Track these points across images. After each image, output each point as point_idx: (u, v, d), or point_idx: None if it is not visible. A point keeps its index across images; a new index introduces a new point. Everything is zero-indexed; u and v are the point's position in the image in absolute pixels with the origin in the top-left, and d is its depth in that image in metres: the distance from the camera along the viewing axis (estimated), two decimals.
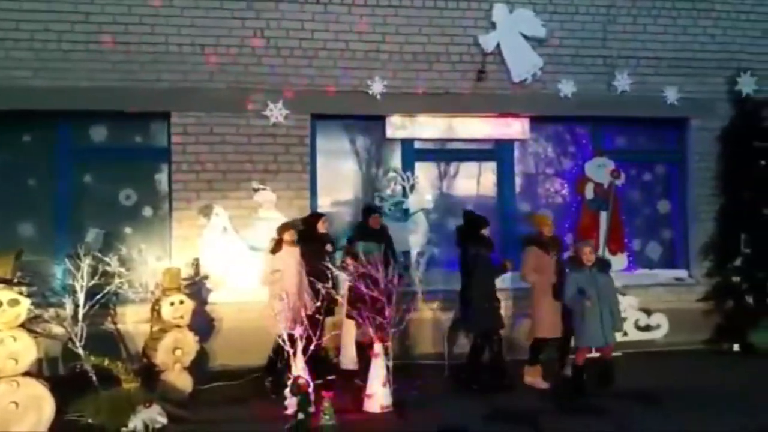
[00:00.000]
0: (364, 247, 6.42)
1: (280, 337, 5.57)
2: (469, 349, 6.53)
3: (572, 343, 6.51)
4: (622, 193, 8.31)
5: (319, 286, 5.79)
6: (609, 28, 8.24)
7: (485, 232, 6.50)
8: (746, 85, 8.36)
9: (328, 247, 6.65)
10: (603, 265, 6.26)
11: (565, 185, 8.54)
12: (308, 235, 6.63)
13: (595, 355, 6.32)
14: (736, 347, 7.77)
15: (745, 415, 5.25)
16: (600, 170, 8.23)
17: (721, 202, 8.31)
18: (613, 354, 6.33)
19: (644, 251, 8.59)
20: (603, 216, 8.16)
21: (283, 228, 6.55)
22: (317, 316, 5.92)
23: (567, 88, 8.02)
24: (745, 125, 8.29)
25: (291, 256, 6.40)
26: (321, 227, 6.71)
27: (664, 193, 8.66)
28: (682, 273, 8.43)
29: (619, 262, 8.08)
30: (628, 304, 7.68)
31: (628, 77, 8.16)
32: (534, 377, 6.41)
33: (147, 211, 7.46)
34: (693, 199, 8.42)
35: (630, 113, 8.23)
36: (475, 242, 6.41)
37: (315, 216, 6.88)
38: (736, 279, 8.00)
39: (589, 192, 8.23)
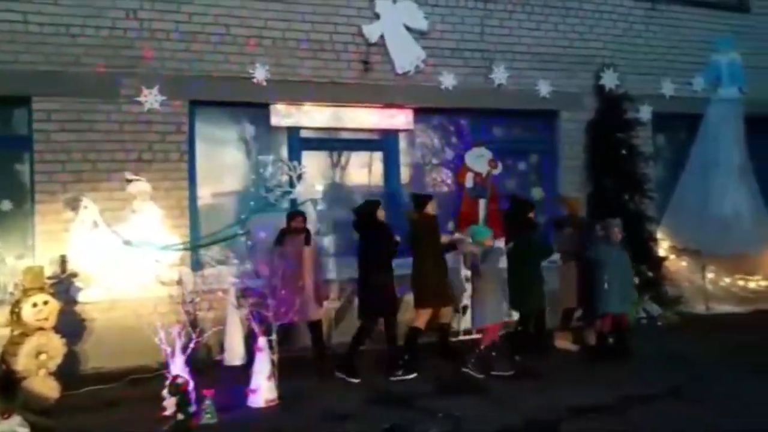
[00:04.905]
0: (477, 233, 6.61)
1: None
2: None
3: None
4: (499, 181, 8.70)
5: None
6: (486, 23, 8.56)
7: (532, 215, 7.04)
8: (609, 80, 9.01)
9: (398, 239, 6.59)
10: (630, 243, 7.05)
11: (448, 174, 8.80)
12: (368, 224, 6.49)
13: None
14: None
15: (612, 387, 5.67)
16: (479, 160, 8.56)
17: (588, 190, 8.89)
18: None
19: None
20: (482, 203, 8.51)
21: (291, 215, 6.64)
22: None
23: (448, 80, 8.25)
24: (609, 118, 8.94)
25: (297, 243, 6.40)
26: (380, 215, 6.59)
27: (537, 181, 9.14)
28: (554, 255, 8.95)
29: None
30: None
31: (504, 71, 8.53)
32: (565, 341, 7.18)
33: (6, 205, 6.82)
34: (563, 186, 8.93)
35: (506, 106, 8.62)
36: (524, 225, 6.78)
37: (373, 203, 6.67)
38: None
39: (468, 181, 8.53)
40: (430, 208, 6.71)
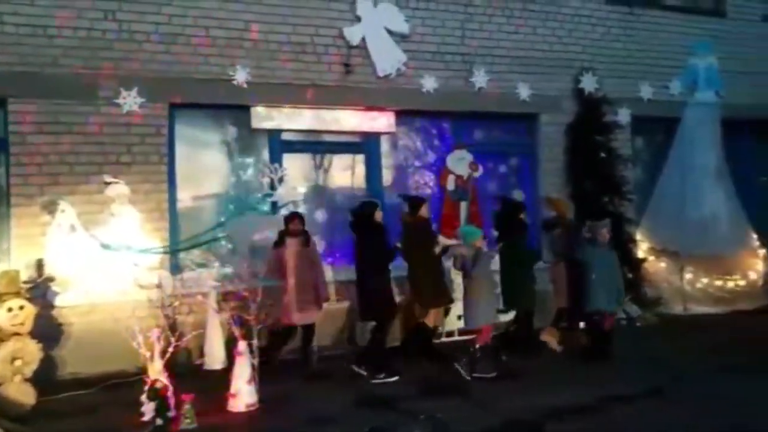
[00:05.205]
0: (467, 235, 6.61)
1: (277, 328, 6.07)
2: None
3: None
4: (480, 184, 8.76)
5: None
6: (467, 26, 8.60)
7: (523, 216, 7.16)
8: (588, 83, 9.09)
9: (398, 245, 6.61)
10: (622, 244, 7.28)
11: (430, 177, 8.81)
12: (365, 226, 6.47)
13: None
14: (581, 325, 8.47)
15: (593, 387, 5.67)
16: (460, 163, 8.62)
17: (568, 191, 8.93)
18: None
19: None
20: (463, 206, 8.57)
21: (289, 217, 6.60)
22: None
23: (429, 83, 8.27)
24: (588, 121, 9.03)
25: (296, 245, 6.49)
26: (378, 217, 6.56)
27: (517, 184, 9.18)
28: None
29: None
30: None
31: (484, 74, 8.58)
32: (551, 338, 7.23)
33: None
34: (543, 188, 8.98)
35: (486, 108, 8.66)
36: (515, 226, 6.97)
37: (371, 205, 6.69)
38: None
39: (450, 183, 8.59)
40: (424, 211, 6.83)
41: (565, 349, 7.19)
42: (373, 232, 6.50)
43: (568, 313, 7.37)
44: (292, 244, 6.57)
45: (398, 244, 6.65)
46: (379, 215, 6.61)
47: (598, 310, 6.83)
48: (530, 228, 7.58)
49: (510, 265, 7.01)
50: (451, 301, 7.08)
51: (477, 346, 6.31)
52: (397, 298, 6.89)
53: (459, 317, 7.45)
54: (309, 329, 6.72)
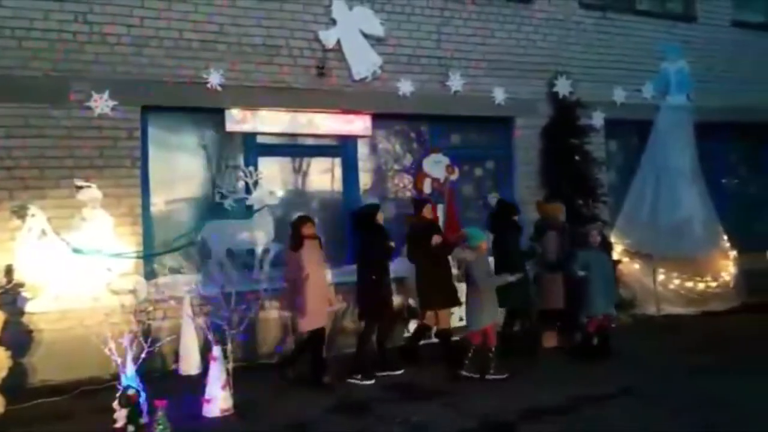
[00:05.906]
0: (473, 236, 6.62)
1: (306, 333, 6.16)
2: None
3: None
4: (456, 187, 8.80)
5: None
6: (443, 30, 8.65)
7: (516, 218, 7.37)
8: (562, 87, 9.18)
9: (392, 244, 6.64)
10: (606, 246, 7.33)
11: (408, 180, 8.83)
12: (366, 227, 6.52)
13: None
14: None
15: (574, 388, 5.72)
16: (436, 166, 8.65)
17: (544, 194, 8.97)
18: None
19: None
20: (440, 208, 8.57)
21: (301, 221, 6.37)
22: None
23: (405, 87, 8.29)
24: (562, 124, 9.11)
25: (314, 249, 6.37)
26: (380, 218, 6.61)
27: (494, 187, 9.18)
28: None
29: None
30: None
31: (460, 78, 8.62)
32: (551, 341, 7.40)
33: None
34: (519, 191, 9.04)
35: (462, 112, 8.71)
36: (508, 227, 7.20)
37: (373, 207, 6.80)
38: None
39: (427, 186, 8.61)
40: (427, 212, 7.01)
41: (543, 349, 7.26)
42: (373, 232, 6.56)
43: (549, 315, 7.44)
44: (310, 248, 6.36)
45: (391, 243, 6.66)
46: (380, 217, 6.70)
47: (596, 314, 6.90)
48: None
49: (501, 264, 7.06)
50: (457, 304, 6.98)
51: (492, 346, 6.31)
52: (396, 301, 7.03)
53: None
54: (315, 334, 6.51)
